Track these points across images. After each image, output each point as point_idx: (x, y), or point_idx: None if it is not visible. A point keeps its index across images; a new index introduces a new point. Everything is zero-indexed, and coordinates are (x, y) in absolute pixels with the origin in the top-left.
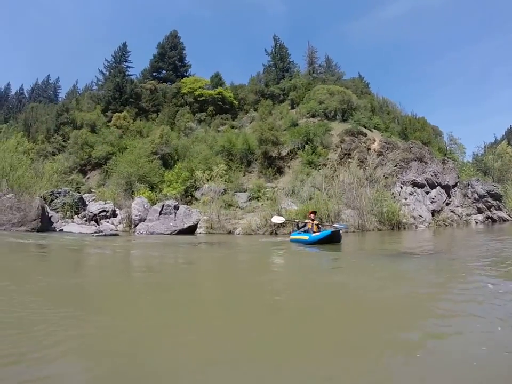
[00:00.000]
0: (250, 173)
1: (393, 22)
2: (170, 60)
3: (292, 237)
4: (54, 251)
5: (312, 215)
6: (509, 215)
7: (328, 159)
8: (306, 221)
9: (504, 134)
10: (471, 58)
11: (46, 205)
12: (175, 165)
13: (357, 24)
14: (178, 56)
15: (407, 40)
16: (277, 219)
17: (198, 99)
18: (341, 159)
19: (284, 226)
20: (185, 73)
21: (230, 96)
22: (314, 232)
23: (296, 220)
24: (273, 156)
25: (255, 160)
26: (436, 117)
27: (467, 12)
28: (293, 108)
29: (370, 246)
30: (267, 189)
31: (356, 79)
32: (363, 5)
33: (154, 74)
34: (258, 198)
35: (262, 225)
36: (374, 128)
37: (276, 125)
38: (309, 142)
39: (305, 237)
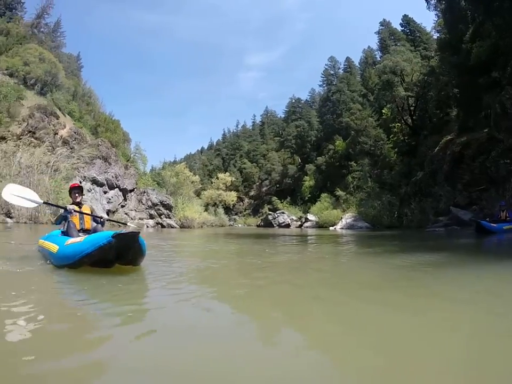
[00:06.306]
0: None
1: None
2: None
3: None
4: None
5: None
6: (176, 223)
7: (9, 131)
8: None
9: (183, 157)
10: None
11: None
12: None
13: None
14: None
15: None
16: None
17: None
18: (22, 136)
19: None
20: None
21: None
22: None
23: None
24: None
25: None
26: (129, 123)
27: None
28: None
29: None
30: None
31: (72, 56)
32: None
33: None
34: None
35: None
36: (68, 114)
37: None
38: None
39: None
